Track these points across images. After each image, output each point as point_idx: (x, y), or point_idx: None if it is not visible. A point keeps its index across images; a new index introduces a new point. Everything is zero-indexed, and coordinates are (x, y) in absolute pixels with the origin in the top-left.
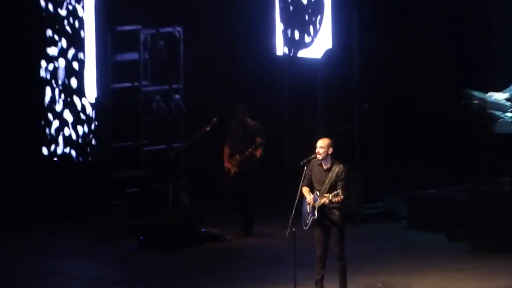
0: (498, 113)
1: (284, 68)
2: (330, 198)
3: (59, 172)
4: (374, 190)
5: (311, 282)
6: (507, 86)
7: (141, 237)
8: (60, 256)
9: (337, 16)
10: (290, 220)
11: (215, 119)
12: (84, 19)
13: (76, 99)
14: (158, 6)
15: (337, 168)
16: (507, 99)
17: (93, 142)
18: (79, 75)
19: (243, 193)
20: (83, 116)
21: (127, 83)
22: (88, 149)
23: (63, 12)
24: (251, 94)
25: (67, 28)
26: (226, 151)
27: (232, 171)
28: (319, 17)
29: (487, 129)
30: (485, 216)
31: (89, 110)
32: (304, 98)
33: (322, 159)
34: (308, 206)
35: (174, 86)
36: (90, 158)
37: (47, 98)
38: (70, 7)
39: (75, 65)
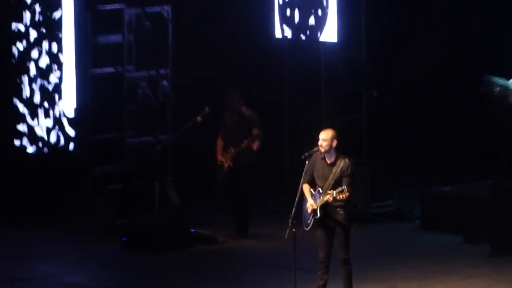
0: None
1: (283, 52)
2: (334, 195)
3: (33, 166)
4: (384, 186)
5: None
6: None
7: (124, 238)
8: (34, 260)
9: None
10: (289, 220)
11: (207, 108)
12: None
13: (51, 86)
14: None
15: (342, 163)
16: None
17: (71, 133)
18: (55, 59)
19: (238, 190)
20: (60, 105)
21: (110, 68)
22: (66, 141)
23: None
24: (247, 81)
25: (42, 8)
26: (219, 143)
27: (226, 165)
28: None
29: (509, 119)
30: (508, 216)
31: (67, 98)
32: (306, 84)
33: (325, 153)
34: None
35: (162, 71)
36: (67, 151)
37: (21, 87)
38: None
39: (50, 47)
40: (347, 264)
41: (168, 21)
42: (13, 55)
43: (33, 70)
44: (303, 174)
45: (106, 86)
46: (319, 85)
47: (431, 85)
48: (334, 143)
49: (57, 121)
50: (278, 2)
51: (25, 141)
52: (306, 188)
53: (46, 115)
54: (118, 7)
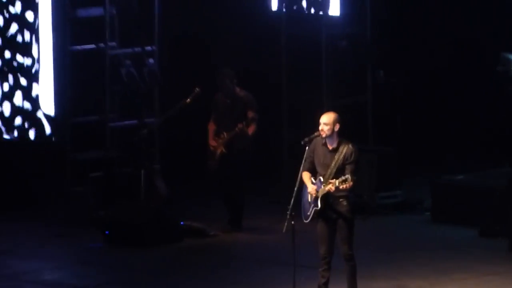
0: None
1: (281, 27)
2: (337, 184)
3: (7, 153)
4: (391, 175)
5: (313, 287)
6: None
7: (107, 232)
8: (8, 255)
9: None
10: (288, 212)
11: (197, 88)
12: None
13: (27, 63)
14: None
15: (345, 149)
16: None
17: (49, 116)
18: (31, 33)
19: (232, 178)
20: (36, 85)
21: (90, 44)
22: (43, 125)
23: None
24: (241, 59)
25: None
26: (211, 127)
27: (219, 151)
28: None
29: None
30: None
31: (45, 78)
32: (305, 63)
33: (327, 138)
34: (309, 195)
35: (148, 48)
36: (45, 136)
37: None
38: None
39: (26, 22)
40: (351, 260)
41: None
42: None
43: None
44: (303, 161)
45: (86, 65)
46: (320, 63)
47: (444, 64)
48: (337, 127)
49: (34, 103)
50: None
51: None
52: (306, 176)
53: (26, 98)
54: None
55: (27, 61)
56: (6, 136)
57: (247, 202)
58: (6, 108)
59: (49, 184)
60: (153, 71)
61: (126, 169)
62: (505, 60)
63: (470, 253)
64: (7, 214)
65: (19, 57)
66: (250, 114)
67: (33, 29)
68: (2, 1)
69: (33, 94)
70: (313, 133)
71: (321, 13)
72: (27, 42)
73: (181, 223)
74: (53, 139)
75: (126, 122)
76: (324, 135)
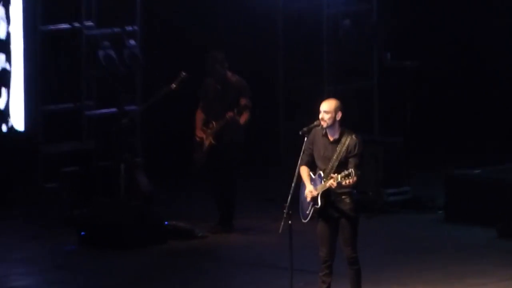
0: None
1: (277, 4)
2: (339, 179)
3: None
4: (399, 169)
5: None
6: None
7: (82, 233)
8: None
9: None
10: (284, 211)
11: (183, 73)
12: None
13: None
14: None
15: (348, 140)
16: None
17: (18, 104)
18: None
19: (221, 173)
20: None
21: (64, 24)
22: (10, 114)
23: None
24: (233, 40)
25: None
26: (199, 116)
27: (207, 143)
28: None
29: None
30: None
31: (13, 61)
32: (305, 44)
33: (327, 128)
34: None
35: (128, 28)
36: (12, 126)
37: None
38: None
39: None
40: (354, 264)
41: None
42: None
43: None
44: (301, 154)
45: (60, 46)
46: (321, 45)
47: (459, 45)
48: (339, 115)
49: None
50: None
51: None
52: (304, 171)
53: None
54: None
55: None
56: None
57: (238, 200)
58: None
59: (19, 180)
60: (134, 53)
61: (104, 163)
62: None
63: (488, 256)
64: None
65: None
66: (243, 101)
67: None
68: None
69: None
70: (313, 122)
71: None
72: None
73: (165, 223)
74: (22, 130)
75: (104, 111)
76: (324, 125)
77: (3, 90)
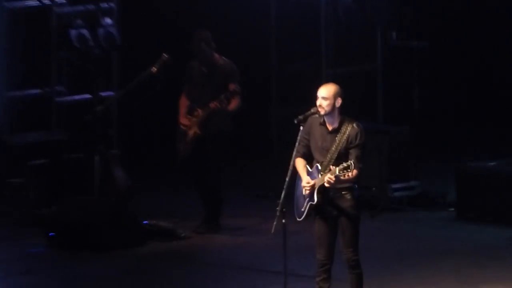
0: None
1: None
2: (337, 173)
3: None
4: (406, 162)
5: None
6: None
7: (51, 233)
8: None
9: None
10: (277, 208)
11: (165, 55)
12: None
13: None
14: None
15: (348, 129)
16: None
17: None
18: None
19: (207, 166)
20: None
21: (32, 0)
22: None
23: None
24: (220, 19)
25: None
26: (183, 102)
27: (191, 133)
28: None
29: None
30: None
31: None
32: (300, 24)
33: (326, 116)
34: (304, 189)
35: (104, 5)
36: None
37: None
38: None
39: None
40: (355, 268)
41: None
42: None
43: None
44: (296, 144)
45: (27, 25)
46: (318, 24)
47: (472, 21)
48: (338, 102)
49: None
50: None
51: None
52: (300, 163)
53: None
54: None
55: None
56: None
57: (226, 196)
58: None
59: None
60: (110, 33)
61: (76, 155)
62: None
63: (505, 258)
64: None
65: None
66: (232, 86)
67: None
68: None
69: None
70: (309, 109)
71: None
72: None
73: (145, 222)
74: None
75: (77, 97)
76: (322, 112)
77: None
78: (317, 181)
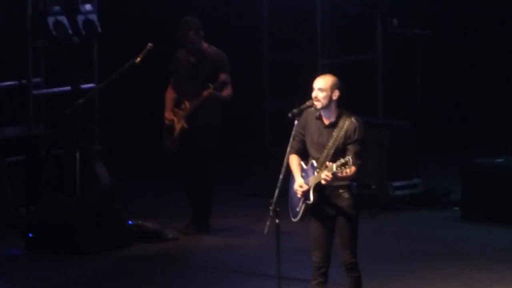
0: None
1: None
2: (334, 170)
3: None
4: (408, 158)
5: None
6: None
7: (30, 234)
8: None
9: None
10: (271, 208)
11: (150, 44)
12: None
13: None
14: None
15: (346, 123)
16: None
17: None
18: None
19: (195, 163)
20: None
21: None
22: None
23: None
24: (209, 5)
25: None
26: (170, 95)
27: (178, 127)
28: None
29: None
30: None
31: None
32: (295, 11)
33: (322, 109)
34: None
35: None
36: None
37: None
38: None
39: None
40: (353, 271)
41: None
42: None
43: None
44: (290, 140)
45: (0, 12)
46: (314, 11)
47: (479, 11)
48: (336, 94)
49: None
50: None
51: None
52: (294, 160)
53: None
54: None
55: None
56: None
57: (216, 195)
58: None
59: None
60: (90, 20)
61: (56, 152)
62: None
63: None
64: None
65: None
66: (222, 77)
67: None
68: None
69: None
70: (304, 102)
71: None
72: None
73: (129, 223)
74: None
75: (55, 89)
76: (318, 105)
77: None
78: (313, 179)
